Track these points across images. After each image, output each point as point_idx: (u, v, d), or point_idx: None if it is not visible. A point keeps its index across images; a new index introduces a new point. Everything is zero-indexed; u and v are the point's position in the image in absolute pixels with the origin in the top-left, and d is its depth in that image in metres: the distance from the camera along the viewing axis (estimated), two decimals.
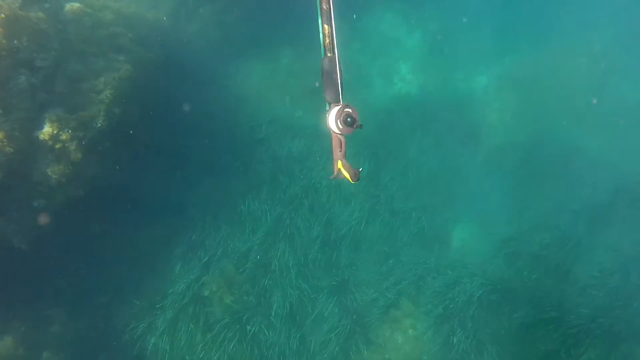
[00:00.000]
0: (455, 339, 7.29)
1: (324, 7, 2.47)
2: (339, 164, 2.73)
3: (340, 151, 2.70)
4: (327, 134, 8.65)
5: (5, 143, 5.42)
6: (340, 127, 2.50)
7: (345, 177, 2.73)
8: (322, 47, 2.55)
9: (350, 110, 2.50)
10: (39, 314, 7.23)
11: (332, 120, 2.53)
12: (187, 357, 7.50)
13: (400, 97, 10.76)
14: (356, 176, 2.69)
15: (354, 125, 2.51)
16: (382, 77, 11.03)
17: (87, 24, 7.06)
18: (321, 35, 2.53)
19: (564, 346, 6.88)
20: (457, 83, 10.68)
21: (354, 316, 8.12)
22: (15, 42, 5.27)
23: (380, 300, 8.21)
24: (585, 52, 10.48)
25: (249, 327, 7.87)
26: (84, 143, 6.19)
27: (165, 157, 8.79)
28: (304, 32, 11.01)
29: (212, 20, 10.18)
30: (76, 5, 6.61)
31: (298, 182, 9.56)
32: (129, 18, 8.47)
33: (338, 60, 2.54)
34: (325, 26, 2.49)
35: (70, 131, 6.01)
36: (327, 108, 2.63)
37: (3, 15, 5.04)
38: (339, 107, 2.51)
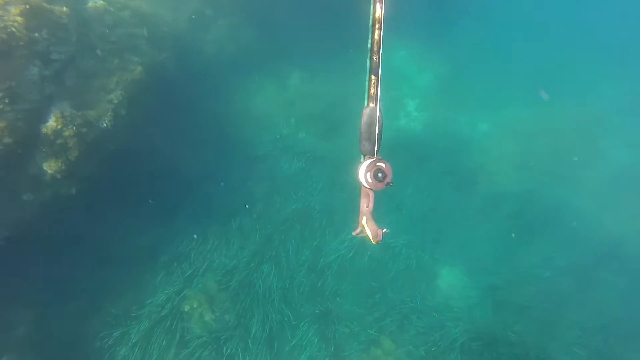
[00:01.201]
0: None
1: (374, 58, 2.50)
2: (364, 220, 2.59)
3: (367, 207, 2.60)
4: (329, 162, 8.65)
5: (5, 133, 5.23)
6: (370, 181, 2.43)
7: (367, 235, 2.55)
8: (366, 96, 2.54)
9: (383, 165, 2.44)
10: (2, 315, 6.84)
11: (363, 172, 2.46)
12: None
13: (404, 132, 10.92)
14: (379, 237, 2.51)
15: (385, 182, 2.44)
16: (389, 110, 11.21)
17: (107, 22, 7.02)
18: (367, 84, 2.52)
19: None
20: (460, 126, 10.92)
21: (333, 348, 7.97)
22: (36, 34, 5.17)
23: (362, 335, 8.08)
24: (582, 113, 10.90)
25: (225, 349, 7.62)
26: (86, 141, 6.03)
27: (164, 163, 8.64)
28: (315, 57, 11.27)
29: (229, 33, 10.25)
30: (100, 2, 6.58)
31: (292, 204, 9.50)
32: (147, 18, 8.45)
33: (379, 112, 2.52)
34: (373, 77, 2.50)
35: (74, 128, 5.86)
36: (362, 160, 2.56)
37: (28, 6, 4.95)
38: (372, 160, 2.46)
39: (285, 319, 8.21)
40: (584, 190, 9.90)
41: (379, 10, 2.47)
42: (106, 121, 6.45)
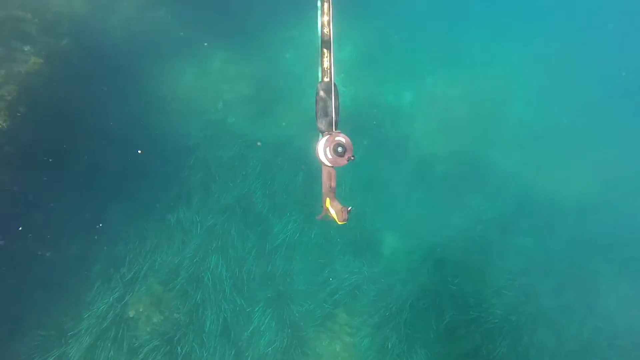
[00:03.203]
0: (389, 345, 7.66)
1: (325, 31, 2.42)
2: (327, 202, 2.46)
3: (330, 187, 2.47)
4: (264, 144, 8.45)
5: None
6: (330, 157, 2.29)
7: (332, 216, 2.44)
8: (319, 70, 2.45)
9: (342, 140, 2.30)
10: None
11: (322, 149, 2.33)
12: None
13: None
14: (344, 215, 2.41)
15: (346, 156, 2.29)
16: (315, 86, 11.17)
17: None
18: (319, 58, 2.43)
19: (484, 342, 7.70)
20: (386, 97, 11.27)
21: (290, 330, 8.06)
22: None
23: (317, 312, 8.27)
24: (493, 77, 11.87)
25: (179, 348, 7.34)
26: None
27: (81, 162, 7.81)
28: (239, 35, 10.77)
29: (137, 14, 9.32)
30: None
31: (231, 192, 9.20)
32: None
33: (334, 86, 2.43)
34: (325, 50, 2.42)
35: None
36: (320, 137, 2.43)
37: None
38: (330, 134, 2.34)
39: (239, 307, 8.11)
40: (498, 147, 10.88)
41: None
42: (0, 122, 5.60)
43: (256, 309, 8.17)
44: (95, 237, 7.86)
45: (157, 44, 9.53)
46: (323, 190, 2.53)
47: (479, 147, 10.72)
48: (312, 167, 9.82)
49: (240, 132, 9.80)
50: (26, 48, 6.52)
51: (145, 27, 9.46)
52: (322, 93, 2.41)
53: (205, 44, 10.03)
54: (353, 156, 2.32)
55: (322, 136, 2.40)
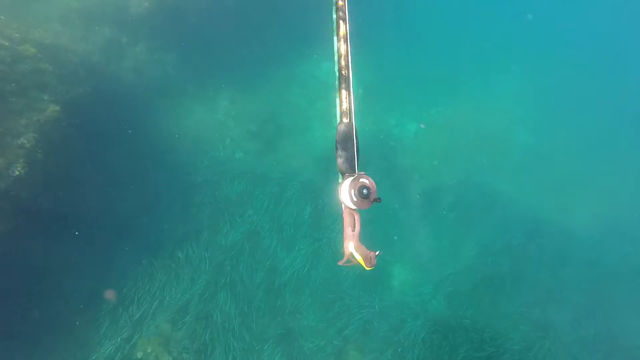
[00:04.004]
0: None
1: (344, 72, 2.39)
2: (351, 246, 2.30)
3: (353, 231, 2.31)
4: (271, 178, 8.55)
5: None
6: (355, 199, 2.18)
7: (358, 262, 2.29)
8: (337, 112, 2.40)
9: (366, 181, 2.21)
10: None
11: (346, 191, 2.23)
12: None
13: None
14: (372, 261, 2.25)
15: (371, 198, 2.20)
16: (322, 120, 11.41)
17: (4, 59, 6.39)
18: (337, 100, 2.41)
19: None
20: (391, 128, 11.46)
21: None
22: None
23: (328, 348, 8.10)
24: (494, 108, 12.04)
25: None
26: None
27: (94, 202, 8.00)
28: (244, 74, 11.17)
29: (148, 58, 9.80)
30: None
31: (239, 227, 9.27)
32: (54, 52, 7.84)
33: (354, 126, 2.37)
34: (343, 91, 2.39)
35: None
36: (340, 180, 2.35)
37: None
38: (354, 176, 2.25)
39: (248, 346, 7.99)
40: (504, 175, 10.88)
41: (343, 28, 2.44)
42: (19, 168, 5.83)
43: (265, 346, 8.03)
44: (104, 277, 7.92)
45: (166, 85, 9.94)
46: (345, 235, 2.38)
47: (485, 175, 10.72)
48: (319, 201, 9.91)
49: (247, 167, 10.00)
50: (45, 97, 6.86)
51: (154, 70, 9.90)
52: (342, 134, 2.36)
53: (212, 82, 10.43)
54: (379, 198, 2.24)
55: (344, 178, 2.33)
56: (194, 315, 7.99)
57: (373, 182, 2.24)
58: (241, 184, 9.68)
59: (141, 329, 7.63)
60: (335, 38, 2.48)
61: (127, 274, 8.14)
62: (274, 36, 11.42)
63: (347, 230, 2.34)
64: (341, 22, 2.45)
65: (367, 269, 2.28)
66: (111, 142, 8.33)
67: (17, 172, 5.83)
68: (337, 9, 2.49)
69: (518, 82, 12.75)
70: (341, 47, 2.43)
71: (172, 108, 9.83)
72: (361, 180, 2.21)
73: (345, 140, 2.35)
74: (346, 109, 2.39)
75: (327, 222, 9.92)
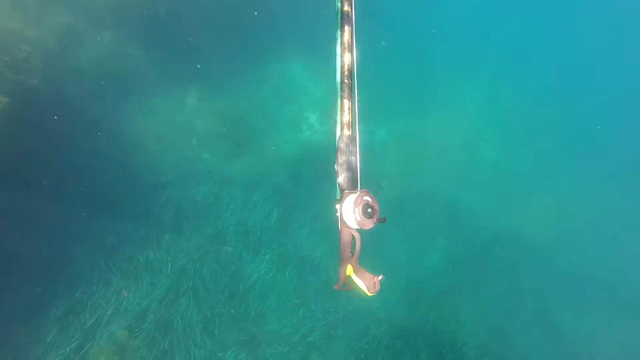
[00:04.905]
0: None
1: (346, 81, 2.24)
2: (349, 269, 2.16)
3: (352, 253, 2.16)
4: (239, 181, 8.33)
5: None
6: (359, 219, 2.03)
7: (357, 286, 2.16)
8: (337, 124, 2.24)
9: (369, 199, 2.05)
10: None
11: (350, 210, 2.06)
12: None
13: (308, 145, 11.13)
14: (376, 286, 2.13)
15: (375, 218, 2.05)
16: (292, 123, 11.32)
17: None
18: (339, 110, 2.24)
19: None
20: (360, 134, 11.54)
21: None
22: None
23: (291, 355, 8.03)
24: (459, 121, 12.50)
25: None
26: None
27: (44, 199, 7.47)
28: (214, 73, 10.88)
29: (111, 50, 9.28)
30: None
31: (204, 230, 9.00)
32: (3, 38, 7.25)
33: (357, 140, 2.23)
34: (346, 101, 2.23)
35: None
36: (338, 196, 2.19)
37: None
38: (356, 194, 2.07)
39: (210, 353, 7.76)
40: (468, 187, 11.32)
41: (347, 35, 2.29)
42: None
43: (228, 353, 7.85)
44: (54, 281, 7.40)
45: (130, 80, 9.47)
46: (342, 256, 2.19)
47: (450, 186, 11.09)
48: (286, 206, 9.82)
49: (214, 169, 9.73)
50: None
51: (118, 63, 9.40)
52: (344, 148, 2.19)
53: (179, 79, 10.06)
54: (384, 218, 2.08)
55: (343, 195, 2.16)
56: (153, 321, 7.65)
57: (376, 200, 2.09)
58: (207, 186, 9.41)
59: (94, 337, 7.19)
60: (338, 46, 2.31)
61: (81, 277, 7.66)
62: (247, 35, 11.22)
63: (345, 253, 2.17)
64: (346, 28, 2.29)
65: (368, 294, 2.15)
66: (66, 138, 7.81)
67: None
68: (342, 15, 2.30)
69: (483, 97, 13.33)
70: (345, 55, 2.27)
71: (136, 105, 9.37)
72: (365, 198, 2.06)
73: (347, 155, 2.19)
74: (349, 121, 2.24)
75: (293, 226, 9.85)
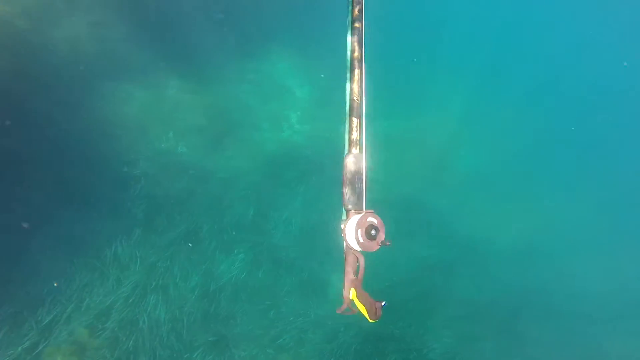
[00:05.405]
0: None
1: (355, 98, 2.21)
2: (353, 293, 2.12)
3: (357, 276, 2.13)
4: (216, 177, 8.11)
5: None
6: (362, 240, 2.00)
7: (360, 311, 2.11)
8: (346, 142, 2.22)
9: (374, 220, 2.03)
10: None
11: (352, 231, 2.03)
12: None
13: (288, 145, 11.00)
14: (377, 313, 2.10)
15: (379, 241, 2.03)
16: (273, 121, 11.14)
17: None
18: (346, 128, 2.22)
19: None
20: (340, 136, 11.51)
21: None
22: None
23: (260, 357, 7.90)
24: (440, 126, 12.73)
25: None
26: None
27: (5, 186, 6.99)
28: (195, 64, 10.56)
29: (88, 31, 8.82)
30: None
31: (177, 226, 8.70)
32: None
33: (365, 159, 2.20)
34: (354, 119, 2.20)
35: None
36: (344, 217, 2.15)
37: None
38: (360, 215, 2.04)
39: (176, 354, 7.50)
40: (443, 193, 11.54)
41: (357, 50, 2.25)
42: None
43: (195, 354, 7.62)
44: (8, 274, 6.92)
45: (105, 64, 9.04)
46: (346, 280, 2.14)
47: (428, 192, 11.25)
48: (263, 205, 9.66)
49: (190, 163, 9.42)
50: None
51: (94, 45, 8.96)
52: (350, 167, 2.15)
53: (160, 68, 9.69)
54: (389, 241, 2.03)
55: (348, 215, 2.13)
56: (117, 320, 7.32)
57: (382, 222, 2.05)
58: (182, 181, 9.10)
59: (50, 335, 6.77)
60: (348, 61, 2.27)
61: (39, 272, 7.21)
62: (233, 29, 10.97)
63: (349, 275, 2.13)
64: (356, 44, 2.26)
65: (370, 321, 2.12)
66: (32, 121, 7.34)
67: None
68: (353, 30, 2.28)
69: (464, 105, 13.60)
70: (355, 71, 2.23)
71: (111, 91, 8.94)
72: (369, 219, 2.02)
73: (354, 174, 2.13)
74: (356, 138, 2.20)
75: (269, 227, 9.70)
